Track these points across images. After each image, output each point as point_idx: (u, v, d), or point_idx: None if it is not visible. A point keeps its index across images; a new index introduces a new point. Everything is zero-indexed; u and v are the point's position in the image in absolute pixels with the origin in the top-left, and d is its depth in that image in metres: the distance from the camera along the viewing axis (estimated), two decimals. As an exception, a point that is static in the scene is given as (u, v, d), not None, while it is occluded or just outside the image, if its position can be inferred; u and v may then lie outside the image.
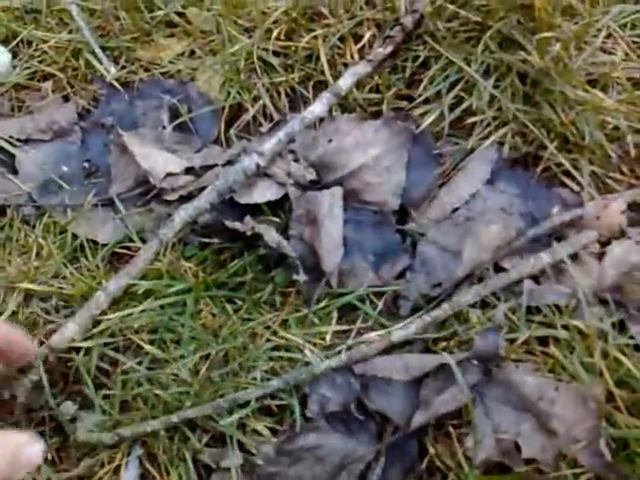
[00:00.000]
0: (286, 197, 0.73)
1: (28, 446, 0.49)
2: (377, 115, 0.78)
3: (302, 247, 0.70)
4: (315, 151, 0.74)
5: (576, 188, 0.73)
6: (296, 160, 0.73)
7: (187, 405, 0.62)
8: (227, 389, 0.63)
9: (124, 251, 0.74)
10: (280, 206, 0.73)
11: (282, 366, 0.65)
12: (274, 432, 0.62)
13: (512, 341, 0.63)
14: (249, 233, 0.68)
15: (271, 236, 0.68)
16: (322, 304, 0.68)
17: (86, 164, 0.81)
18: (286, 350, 0.66)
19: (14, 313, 0.69)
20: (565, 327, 0.63)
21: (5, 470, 0.47)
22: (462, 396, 0.59)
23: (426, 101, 0.79)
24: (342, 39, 0.81)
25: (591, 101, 0.73)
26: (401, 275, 0.70)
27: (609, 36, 0.79)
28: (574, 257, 0.67)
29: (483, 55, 0.77)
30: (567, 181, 0.74)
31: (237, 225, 0.69)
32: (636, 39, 0.79)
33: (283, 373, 0.64)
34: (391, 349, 0.64)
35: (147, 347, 0.65)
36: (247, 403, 0.62)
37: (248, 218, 0.69)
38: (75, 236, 0.75)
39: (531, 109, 0.74)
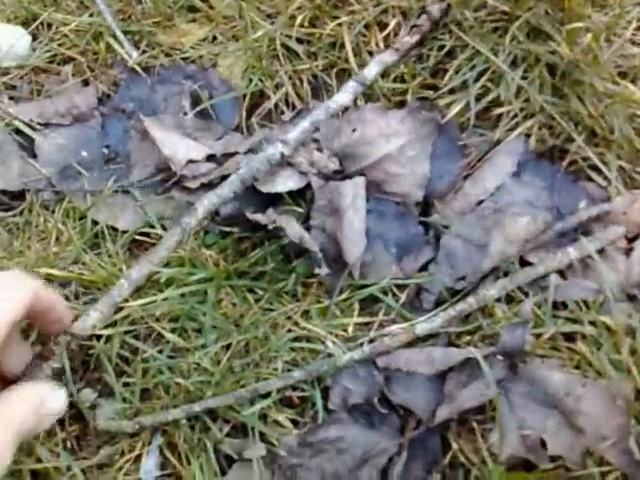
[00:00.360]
0: (308, 186, 0.72)
1: (50, 396, 0.51)
2: (402, 104, 0.77)
3: (324, 238, 0.69)
4: (338, 140, 0.72)
5: (603, 183, 0.72)
6: (319, 149, 0.72)
7: (208, 394, 0.61)
8: (248, 379, 0.62)
9: (144, 238, 0.73)
10: (302, 195, 0.72)
11: (304, 357, 0.64)
12: (295, 424, 0.62)
13: (538, 336, 0.62)
14: (271, 227, 0.67)
15: (293, 230, 0.67)
16: (344, 295, 0.67)
17: (105, 150, 0.80)
18: (307, 341, 0.65)
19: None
20: (592, 323, 0.62)
21: (31, 422, 0.49)
22: (488, 391, 0.58)
23: (451, 91, 0.78)
24: (367, 27, 0.80)
25: (620, 94, 0.71)
26: (424, 268, 0.69)
27: (639, 28, 0.77)
28: (601, 252, 0.66)
29: (511, 45, 0.75)
30: (594, 175, 0.72)
31: (259, 217, 0.68)
32: (666, 32, 0.77)
33: (305, 364, 0.63)
34: (414, 342, 0.63)
35: (168, 335, 0.65)
36: (268, 394, 0.61)
37: (270, 211, 0.68)
38: (95, 222, 0.74)
39: (559, 101, 0.73)
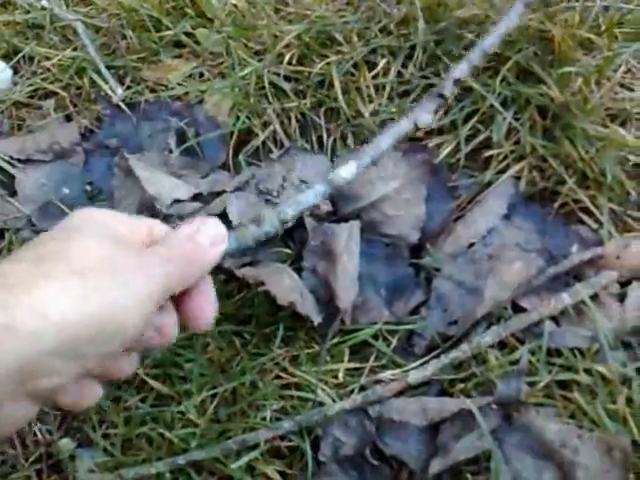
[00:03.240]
0: (297, 227, 0.70)
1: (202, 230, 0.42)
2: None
3: (315, 280, 0.67)
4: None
5: (594, 225, 0.71)
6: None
7: (193, 446, 0.59)
8: (235, 429, 0.60)
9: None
10: (291, 236, 0.71)
11: (293, 405, 0.62)
12: (284, 476, 0.60)
13: (532, 384, 0.61)
14: (260, 289, 0.65)
15: (283, 293, 0.64)
16: (334, 340, 0.65)
17: (88, 186, 0.79)
18: (297, 388, 0.63)
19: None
20: (587, 371, 0.61)
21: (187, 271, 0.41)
22: (482, 443, 0.56)
23: (440, 132, 0.77)
24: (355, 66, 0.79)
25: (611, 137, 0.71)
26: (415, 310, 0.68)
27: (628, 71, 0.77)
28: (594, 298, 0.65)
29: (501, 86, 0.75)
30: (585, 218, 0.72)
31: (247, 274, 0.65)
32: (654, 75, 0.78)
33: (294, 413, 0.61)
34: (406, 389, 0.62)
35: (152, 382, 0.62)
36: (256, 445, 0.59)
37: (258, 269, 0.66)
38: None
39: (550, 143, 0.73)
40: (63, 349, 0.33)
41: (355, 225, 0.68)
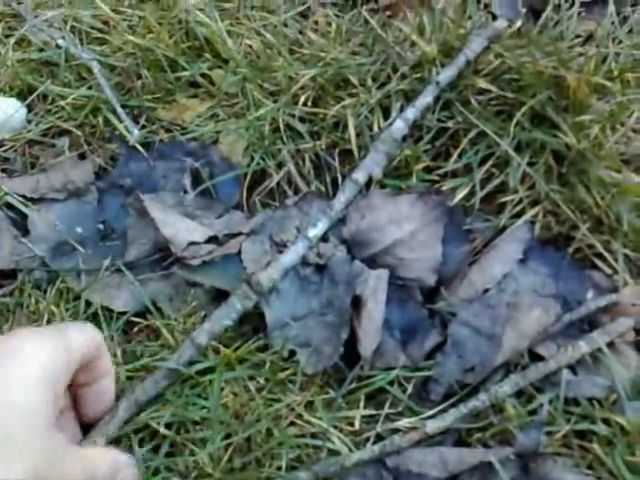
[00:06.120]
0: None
1: (128, 467, 0.54)
2: (401, 189, 0.77)
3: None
4: (347, 228, 0.72)
5: (609, 271, 0.71)
6: (325, 240, 0.71)
7: (208, 496, 0.58)
8: (250, 479, 0.59)
9: (140, 319, 0.71)
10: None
11: (308, 454, 0.61)
12: (300, 527, 0.59)
13: (549, 434, 0.60)
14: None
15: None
16: (350, 386, 0.65)
17: (101, 226, 0.78)
18: (312, 436, 0.62)
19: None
20: (605, 421, 0.60)
21: None
22: (502, 495, 0.56)
23: (454, 174, 0.78)
24: (370, 110, 0.79)
25: (625, 183, 0.71)
26: (430, 354, 0.68)
27: (641, 117, 0.78)
28: (610, 345, 0.65)
29: (515, 131, 0.75)
30: (599, 263, 0.72)
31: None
32: (666, 120, 0.78)
33: (309, 461, 0.61)
34: (423, 438, 0.61)
35: (164, 431, 0.61)
36: (273, 496, 0.59)
37: None
38: (89, 303, 0.72)
39: (564, 189, 0.73)
40: None
41: (384, 274, 0.68)
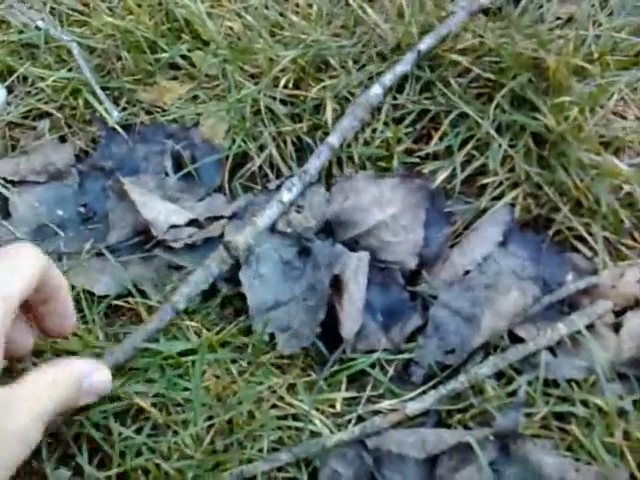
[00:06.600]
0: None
1: (93, 373, 0.52)
2: (385, 170, 0.77)
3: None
4: (330, 208, 0.72)
5: (589, 253, 0.72)
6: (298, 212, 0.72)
7: (189, 478, 0.58)
8: (232, 461, 0.60)
9: (122, 303, 0.71)
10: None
11: (290, 436, 0.62)
12: (281, 508, 0.59)
13: (529, 415, 0.61)
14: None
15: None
16: (331, 369, 0.65)
17: (83, 209, 0.78)
18: (294, 418, 0.63)
19: (5, 369, 0.65)
20: (584, 403, 0.61)
21: (70, 398, 0.50)
22: (480, 476, 0.57)
23: (435, 157, 0.78)
24: (351, 92, 0.79)
25: (605, 166, 0.72)
26: (411, 337, 0.68)
27: (621, 99, 0.78)
28: (589, 327, 0.66)
29: (495, 113, 0.76)
30: (579, 246, 0.72)
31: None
32: (647, 103, 0.79)
33: (291, 443, 0.61)
34: (404, 420, 0.62)
35: (151, 410, 0.62)
36: (253, 477, 0.59)
37: None
38: (70, 286, 0.71)
39: (544, 171, 0.73)
40: None
41: (364, 256, 0.68)
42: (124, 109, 0.83)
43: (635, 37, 0.81)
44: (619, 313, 0.68)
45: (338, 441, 0.59)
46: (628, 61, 0.79)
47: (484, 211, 0.74)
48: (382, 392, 0.65)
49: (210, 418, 0.62)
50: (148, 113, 0.83)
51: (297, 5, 0.89)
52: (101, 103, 0.82)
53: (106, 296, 0.71)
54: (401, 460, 0.59)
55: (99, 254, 0.73)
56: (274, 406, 0.64)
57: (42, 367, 0.51)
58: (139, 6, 0.88)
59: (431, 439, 0.59)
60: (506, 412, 0.58)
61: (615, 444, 0.58)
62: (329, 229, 0.72)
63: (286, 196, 0.72)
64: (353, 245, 0.71)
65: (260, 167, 0.79)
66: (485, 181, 0.74)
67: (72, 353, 0.65)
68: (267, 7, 0.89)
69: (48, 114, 0.84)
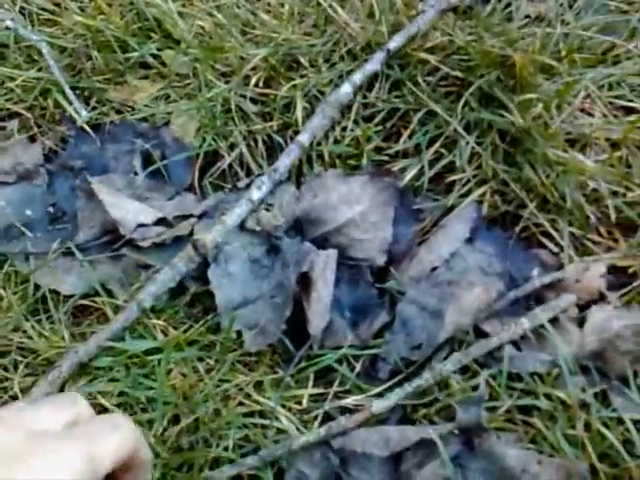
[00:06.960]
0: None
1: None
2: (354, 168, 0.77)
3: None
4: (299, 206, 0.72)
5: (554, 249, 0.72)
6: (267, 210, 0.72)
7: (156, 477, 0.58)
8: (198, 459, 0.60)
9: (89, 303, 0.71)
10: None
11: (255, 434, 0.62)
12: (247, 507, 0.59)
13: (493, 409, 0.61)
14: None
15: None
16: (299, 365, 0.65)
17: (51, 209, 0.78)
18: (260, 416, 0.63)
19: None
20: (547, 396, 0.61)
21: None
22: (444, 471, 0.57)
23: (404, 155, 0.78)
24: (321, 91, 0.79)
25: (571, 162, 0.72)
26: (379, 334, 0.68)
27: (587, 97, 0.79)
28: (553, 321, 0.66)
29: (463, 111, 0.76)
30: (546, 242, 0.73)
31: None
32: (613, 100, 0.79)
33: (257, 441, 0.61)
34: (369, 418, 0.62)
35: (115, 410, 0.62)
36: None
37: None
38: (37, 286, 0.71)
39: (511, 168, 0.74)
40: None
41: (333, 254, 0.68)
42: (94, 108, 0.83)
43: (602, 35, 0.81)
44: (583, 307, 0.68)
45: (304, 443, 0.59)
46: (595, 59, 0.80)
47: (452, 208, 0.74)
48: (349, 388, 0.65)
49: (176, 417, 0.62)
50: (118, 112, 0.83)
51: (268, 4, 0.89)
52: (70, 103, 0.82)
53: (72, 296, 0.71)
54: (366, 459, 0.59)
55: (66, 254, 0.73)
56: (240, 404, 0.64)
57: None
58: (110, 5, 0.87)
59: (394, 436, 0.59)
60: (467, 407, 0.59)
61: (577, 436, 0.58)
62: (299, 227, 0.72)
63: (256, 194, 0.72)
64: (322, 242, 0.71)
65: (230, 166, 0.79)
66: (453, 178, 0.75)
67: (37, 353, 0.65)
68: (238, 6, 0.88)
69: (17, 114, 0.83)
